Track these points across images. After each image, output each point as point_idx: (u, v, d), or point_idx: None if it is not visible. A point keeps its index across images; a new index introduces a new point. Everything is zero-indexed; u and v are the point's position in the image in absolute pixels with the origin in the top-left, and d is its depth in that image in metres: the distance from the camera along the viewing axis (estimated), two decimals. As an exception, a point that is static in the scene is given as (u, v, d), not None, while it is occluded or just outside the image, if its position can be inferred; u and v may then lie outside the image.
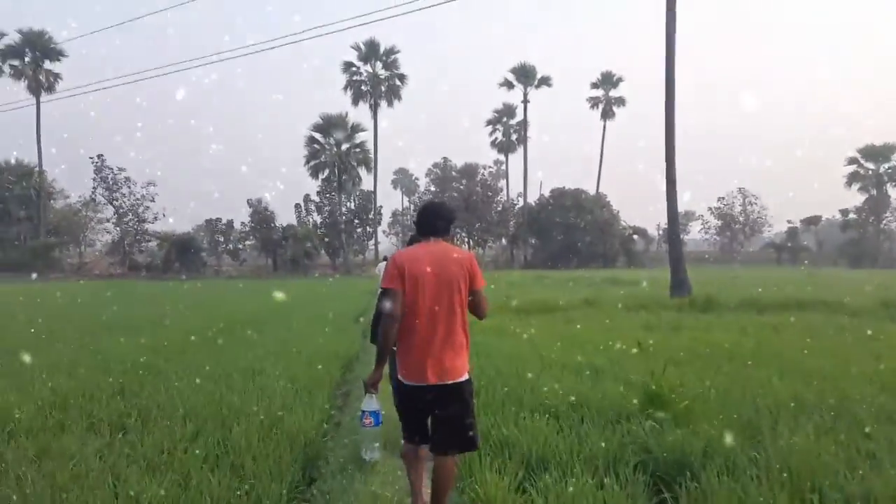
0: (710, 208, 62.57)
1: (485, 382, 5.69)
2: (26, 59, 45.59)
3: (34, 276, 41.20)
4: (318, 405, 5.64)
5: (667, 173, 17.54)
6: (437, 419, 3.08)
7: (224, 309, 17.34)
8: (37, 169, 46.58)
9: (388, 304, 3.01)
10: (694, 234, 72.88)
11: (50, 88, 46.86)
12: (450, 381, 3.02)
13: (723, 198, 61.59)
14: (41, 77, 46.03)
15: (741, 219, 61.12)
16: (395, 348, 3.14)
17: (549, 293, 19.38)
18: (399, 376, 3.16)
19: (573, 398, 4.97)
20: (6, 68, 45.22)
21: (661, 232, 66.12)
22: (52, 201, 52.92)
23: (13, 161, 46.83)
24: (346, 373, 8.20)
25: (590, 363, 6.58)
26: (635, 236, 57.92)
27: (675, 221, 17.85)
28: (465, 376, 3.09)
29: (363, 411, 3.59)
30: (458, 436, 3.06)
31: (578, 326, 10.04)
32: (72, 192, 53.69)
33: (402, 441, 3.32)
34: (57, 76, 46.95)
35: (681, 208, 66.59)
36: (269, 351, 9.24)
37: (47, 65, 46.53)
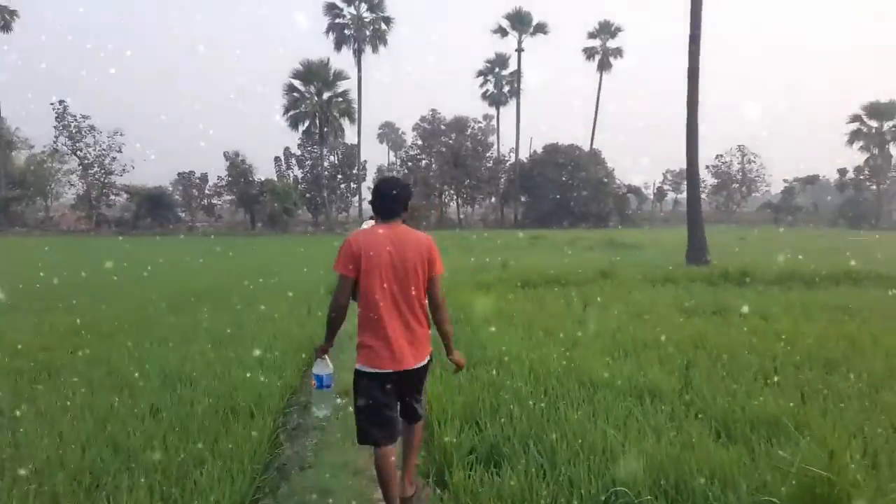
0: (707, 166, 60.45)
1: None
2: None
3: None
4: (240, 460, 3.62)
5: (688, 124, 15.39)
6: (402, 400, 3.10)
7: (183, 275, 15.17)
8: (-6, 116, 43.19)
9: (338, 288, 2.97)
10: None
11: (6, 27, 43.06)
12: (415, 366, 3.00)
13: (721, 155, 59.44)
14: (-6, 14, 42.17)
15: (738, 177, 59.17)
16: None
17: (549, 259, 17.37)
18: (360, 365, 3.00)
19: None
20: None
21: (655, 191, 64.31)
22: (14, 151, 49.58)
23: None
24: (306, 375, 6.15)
25: (653, 386, 4.57)
26: (630, 195, 55.92)
27: (696, 180, 15.80)
28: (426, 359, 3.10)
29: (315, 374, 3.38)
30: (421, 409, 3.20)
31: (615, 313, 8.00)
32: (36, 142, 50.07)
33: (373, 448, 3.04)
34: (13, 13, 43.08)
35: (674, 166, 64.28)
36: (215, 339, 7.19)
37: (2, 1, 42.58)
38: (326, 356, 3.32)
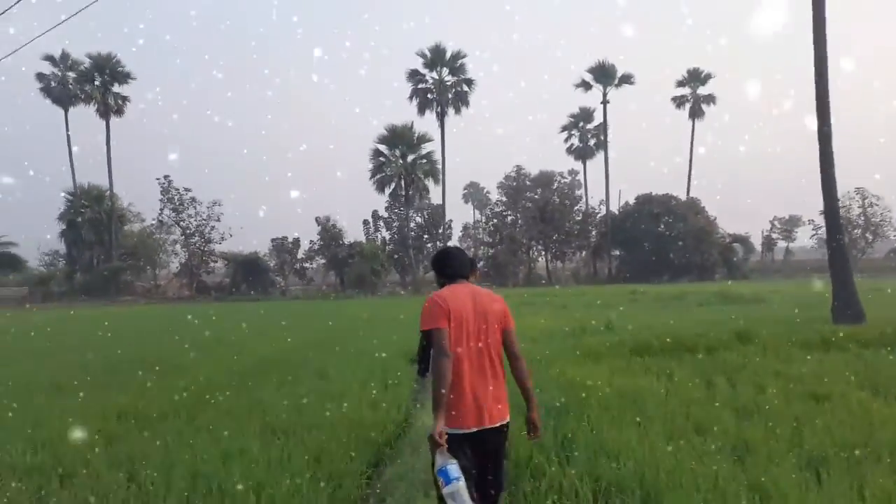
0: (821, 211, 55.20)
1: None
2: (96, 83, 45.74)
3: (110, 301, 40.77)
4: None
5: (821, 161, 13.14)
6: (484, 462, 2.92)
7: (257, 343, 14.34)
8: (108, 192, 46.53)
9: (440, 344, 2.84)
10: (802, 241, 65.25)
11: (119, 111, 46.94)
12: (498, 423, 2.92)
13: (838, 199, 54.13)
14: (110, 100, 46.09)
15: (860, 222, 53.36)
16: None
17: (659, 317, 15.19)
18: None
19: None
20: (78, 93, 45.55)
21: (763, 240, 59.39)
22: (128, 225, 53.21)
23: (86, 185, 46.95)
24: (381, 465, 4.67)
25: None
26: (735, 245, 51.65)
27: (838, 223, 13.31)
28: (508, 417, 3.01)
29: (440, 470, 2.73)
30: (502, 477, 3.03)
31: (777, 394, 6.00)
32: (147, 216, 53.53)
33: None
34: (125, 99, 46.98)
35: (784, 213, 59.33)
36: (275, 426, 5.94)
37: (116, 88, 46.59)
38: (445, 446, 2.75)
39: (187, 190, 47.74)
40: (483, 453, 2.90)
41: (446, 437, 2.73)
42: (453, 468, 2.73)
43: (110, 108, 46.33)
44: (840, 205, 46.87)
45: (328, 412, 6.58)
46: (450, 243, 51.90)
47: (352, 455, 5.04)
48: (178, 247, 49.44)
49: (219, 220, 48.11)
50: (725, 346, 8.85)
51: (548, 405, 5.40)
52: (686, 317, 14.73)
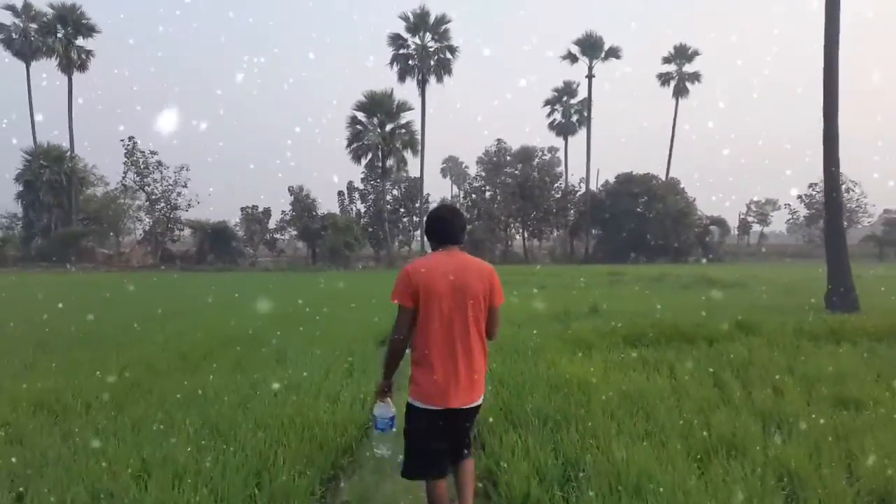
0: (799, 196, 55.31)
1: None
2: (58, 35, 43.05)
3: (70, 267, 38.90)
4: None
5: (825, 136, 12.36)
6: (453, 437, 2.88)
7: (215, 318, 13.25)
8: (68, 153, 44.19)
9: (397, 321, 2.78)
10: (775, 225, 65.66)
11: (82, 66, 44.38)
12: (469, 405, 2.81)
13: (815, 184, 54.19)
14: (73, 54, 43.49)
15: (836, 208, 53.59)
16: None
17: (645, 301, 14.47)
18: (411, 399, 2.82)
19: None
20: (40, 45, 42.84)
21: (739, 223, 59.52)
22: (91, 188, 50.83)
23: (46, 145, 44.46)
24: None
25: None
26: (713, 227, 51.51)
27: (839, 208, 12.59)
28: (482, 398, 2.90)
29: (375, 416, 2.98)
30: (467, 446, 2.95)
31: (797, 398, 5.20)
32: (111, 179, 51.09)
33: (425, 483, 2.90)
34: (89, 53, 44.41)
35: (757, 196, 59.41)
36: (207, 422, 4.97)
37: (80, 41, 43.96)
38: (389, 398, 2.98)
39: (153, 153, 45.65)
40: (450, 430, 2.80)
41: (389, 393, 2.90)
42: (385, 419, 2.86)
43: (73, 62, 43.68)
44: (818, 189, 46.73)
45: (280, 406, 5.63)
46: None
47: (300, 468, 4.10)
48: (142, 213, 47.41)
49: (186, 185, 46.19)
50: (726, 337, 8.07)
51: (543, 412, 4.50)
52: (673, 301, 14.01)
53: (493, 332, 2.94)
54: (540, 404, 4.61)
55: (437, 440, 2.77)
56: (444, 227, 2.87)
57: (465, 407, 2.75)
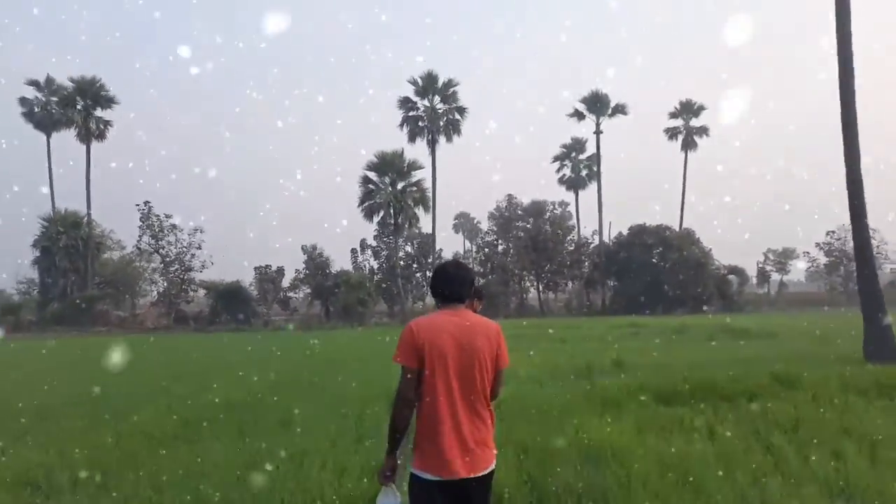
0: (817, 244, 54.41)
1: None
2: (77, 107, 44.44)
3: (50, 340, 38.79)
4: None
5: (848, 178, 12.00)
6: None
7: (224, 380, 12.77)
8: (84, 218, 44.83)
9: (400, 384, 2.55)
10: (794, 274, 64.44)
11: (100, 136, 45.56)
12: (480, 473, 2.53)
13: (832, 231, 53.43)
14: (91, 125, 44.74)
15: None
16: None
17: (670, 353, 13.81)
18: (415, 470, 2.56)
19: None
20: (60, 117, 44.24)
21: (758, 271, 58.49)
22: (106, 252, 51.34)
23: (63, 211, 45.23)
24: None
25: None
26: (731, 276, 50.60)
27: (870, 253, 12.05)
28: (493, 464, 2.61)
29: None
30: None
31: (868, 467, 4.62)
32: (127, 243, 51.59)
33: None
34: (107, 123, 45.67)
35: (777, 245, 58.53)
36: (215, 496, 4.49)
37: (98, 112, 45.31)
38: (393, 484, 2.60)
39: (168, 216, 46.20)
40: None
41: (393, 476, 2.60)
42: None
43: (91, 132, 44.91)
44: (836, 237, 45.88)
45: (281, 481, 5.11)
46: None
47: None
48: (157, 275, 47.58)
49: (200, 247, 46.47)
50: (766, 392, 7.46)
51: (574, 489, 3.95)
52: (700, 354, 13.35)
53: (497, 392, 2.74)
54: (570, 478, 4.07)
55: None
56: (449, 283, 2.67)
57: (475, 475, 2.51)
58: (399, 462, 2.66)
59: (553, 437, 5.26)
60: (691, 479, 4.22)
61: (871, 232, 42.61)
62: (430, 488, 2.49)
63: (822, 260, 54.71)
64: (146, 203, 45.70)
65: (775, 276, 61.90)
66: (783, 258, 60.32)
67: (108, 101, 45.43)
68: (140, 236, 45.76)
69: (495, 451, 2.65)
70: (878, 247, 52.89)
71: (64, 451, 6.58)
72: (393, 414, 2.57)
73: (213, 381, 13.05)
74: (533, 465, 4.56)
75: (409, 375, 2.52)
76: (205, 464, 5.93)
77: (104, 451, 6.71)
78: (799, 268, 62.86)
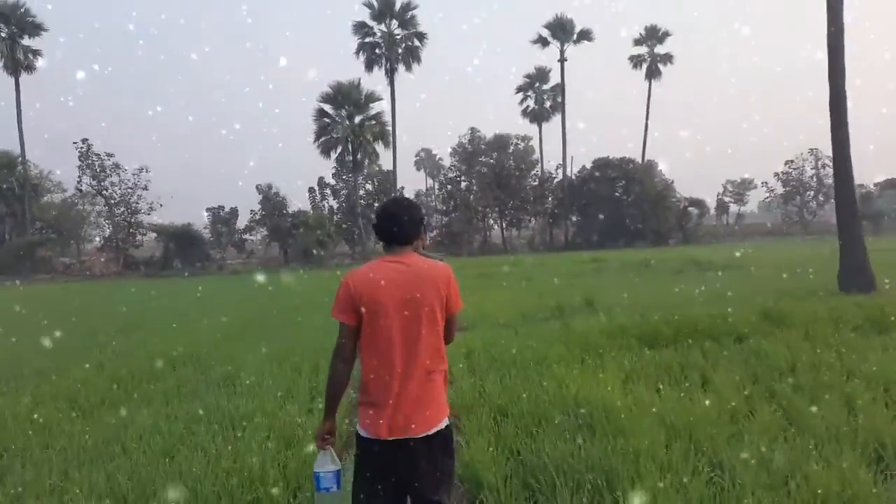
0: (776, 173, 54.98)
1: None
2: (2, 34, 40.48)
3: (18, 282, 36.67)
4: None
5: (830, 101, 11.35)
6: (409, 478, 2.32)
7: (168, 330, 11.79)
8: (19, 159, 41.72)
9: (337, 342, 2.39)
10: (750, 205, 65.64)
11: (29, 67, 41.85)
12: (424, 433, 2.31)
13: (791, 161, 53.99)
14: (18, 54, 40.95)
15: (813, 183, 53.45)
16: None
17: (643, 289, 13.38)
18: (359, 429, 2.40)
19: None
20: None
21: (716, 204, 59.25)
22: (47, 196, 48.36)
23: (-6, 151, 41.97)
24: None
25: None
26: (691, 209, 50.96)
27: (849, 177, 11.51)
28: (445, 422, 2.38)
29: (317, 473, 2.48)
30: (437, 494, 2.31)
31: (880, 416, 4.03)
32: (68, 185, 48.50)
33: None
34: (36, 53, 41.89)
35: (735, 175, 59.29)
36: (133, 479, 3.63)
37: (25, 41, 41.42)
38: (331, 447, 2.48)
39: (109, 155, 43.34)
40: (407, 468, 2.30)
41: (332, 440, 2.46)
42: (328, 476, 2.43)
43: (19, 63, 41.19)
44: (793, 166, 46.30)
45: (212, 459, 4.30)
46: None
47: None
48: (101, 219, 45.12)
49: (146, 188, 43.98)
50: (754, 331, 6.92)
51: (573, 469, 3.21)
52: (671, 290, 12.91)
53: (451, 337, 2.54)
54: (563, 454, 3.34)
55: (385, 478, 2.34)
56: (392, 224, 2.44)
57: (420, 435, 2.32)
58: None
59: (534, 396, 4.55)
60: (700, 443, 3.55)
61: (828, 162, 42.83)
62: (374, 448, 2.33)
63: (779, 190, 55.51)
64: (84, 141, 42.70)
65: (733, 208, 62.97)
66: (741, 189, 61.17)
67: (36, 28, 41.49)
68: (80, 177, 42.99)
69: (447, 409, 2.44)
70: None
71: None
72: (329, 373, 2.43)
73: (157, 332, 12.07)
74: (515, 436, 3.83)
75: (345, 332, 2.37)
76: (129, 436, 5.08)
77: (18, 421, 5.79)
78: (755, 199, 64.06)
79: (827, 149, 48.11)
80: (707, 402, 4.39)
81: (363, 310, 2.31)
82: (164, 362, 8.28)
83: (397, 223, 2.43)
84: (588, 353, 6.29)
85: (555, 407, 4.31)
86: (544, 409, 4.30)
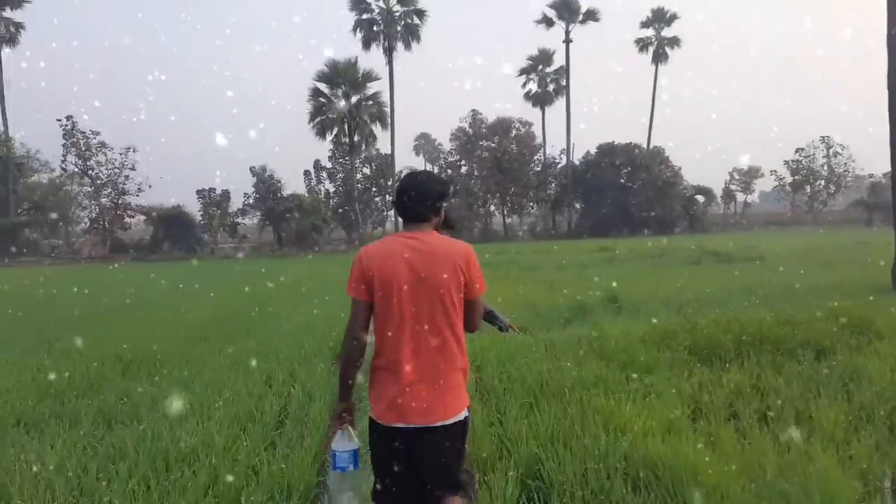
0: (786, 162, 53.43)
1: None
2: (-19, 7, 38.77)
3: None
4: None
5: (889, 85, 9.93)
6: (423, 468, 2.24)
7: (141, 320, 10.42)
8: (2, 136, 40.09)
9: (350, 321, 2.27)
10: (754, 194, 64.13)
11: (12, 40, 40.14)
12: (436, 423, 2.17)
13: (801, 149, 52.41)
14: (0, 27, 39.21)
15: (824, 172, 51.93)
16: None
17: (667, 282, 12.04)
18: (372, 415, 2.32)
19: None
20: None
21: (724, 192, 57.78)
22: (35, 176, 46.71)
23: (-25, 128, 40.28)
24: None
25: None
26: (698, 196, 49.49)
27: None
28: (462, 414, 2.24)
29: (334, 452, 2.41)
30: (447, 478, 2.22)
31: None
32: (55, 164, 46.82)
33: None
34: (19, 25, 40.14)
35: (742, 164, 57.72)
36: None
37: (7, 12, 39.64)
38: (349, 426, 2.40)
39: (95, 133, 41.67)
40: (419, 456, 2.22)
41: (349, 418, 2.36)
42: (344, 455, 2.36)
43: (0, 36, 39.49)
44: (804, 154, 44.84)
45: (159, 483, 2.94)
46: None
47: None
48: (87, 200, 43.52)
49: (133, 168, 42.37)
50: (836, 341, 5.54)
51: None
52: (697, 282, 11.56)
53: (474, 323, 2.33)
54: None
55: (399, 463, 2.22)
56: (406, 201, 2.28)
57: (430, 426, 2.15)
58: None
59: (581, 448, 3.19)
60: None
61: (841, 151, 41.25)
62: (387, 435, 2.22)
63: (788, 179, 54.02)
64: (69, 118, 41.03)
65: (740, 196, 61.54)
66: (748, 177, 59.68)
67: (18, 0, 39.74)
68: (64, 155, 41.34)
69: (466, 400, 2.27)
70: (845, 164, 52.27)
71: None
72: (341, 352, 2.35)
73: (124, 325, 10.71)
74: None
75: (358, 309, 2.24)
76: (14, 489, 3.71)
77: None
78: (760, 188, 62.56)
79: (839, 137, 46.57)
80: (826, 457, 3.04)
81: (374, 285, 2.19)
82: (111, 366, 6.95)
83: (414, 197, 2.29)
84: (631, 369, 4.93)
85: (606, 464, 2.95)
86: (596, 471, 2.93)
